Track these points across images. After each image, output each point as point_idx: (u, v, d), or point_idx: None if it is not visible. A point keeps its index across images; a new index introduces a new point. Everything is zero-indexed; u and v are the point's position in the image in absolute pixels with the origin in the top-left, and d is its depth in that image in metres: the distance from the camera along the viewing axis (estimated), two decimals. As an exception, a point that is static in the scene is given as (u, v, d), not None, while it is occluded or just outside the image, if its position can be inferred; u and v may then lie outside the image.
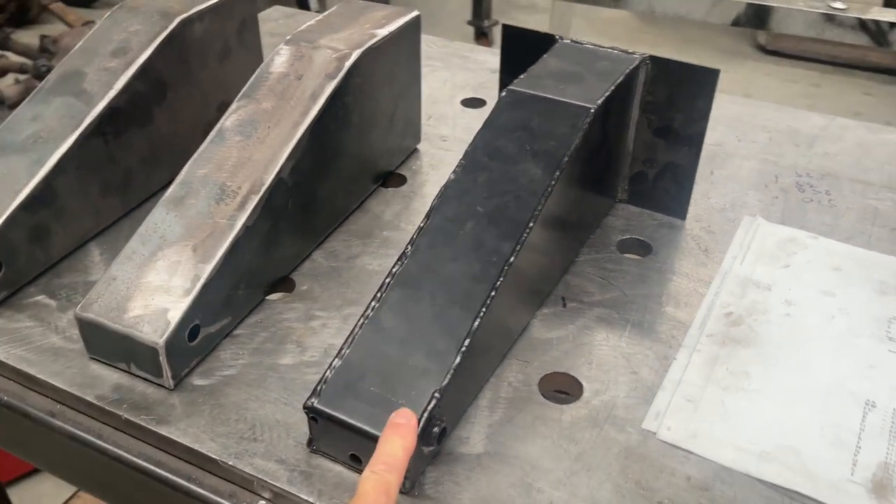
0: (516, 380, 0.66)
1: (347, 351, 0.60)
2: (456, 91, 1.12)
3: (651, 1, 1.76)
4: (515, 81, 0.75)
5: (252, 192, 0.70)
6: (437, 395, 0.56)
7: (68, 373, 0.67)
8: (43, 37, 3.59)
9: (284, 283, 0.77)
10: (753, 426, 0.62)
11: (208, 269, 0.66)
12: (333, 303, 0.75)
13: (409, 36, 0.87)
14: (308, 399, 0.58)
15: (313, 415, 0.58)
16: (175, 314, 0.64)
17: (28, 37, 3.90)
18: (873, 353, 0.68)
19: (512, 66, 0.84)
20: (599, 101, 0.71)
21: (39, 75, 2.45)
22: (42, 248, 0.76)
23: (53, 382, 0.66)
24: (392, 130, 0.90)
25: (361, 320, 0.62)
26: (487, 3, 3.75)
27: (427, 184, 0.92)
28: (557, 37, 0.82)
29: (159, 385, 0.65)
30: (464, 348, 0.58)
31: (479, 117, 1.06)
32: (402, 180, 0.93)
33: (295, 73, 0.78)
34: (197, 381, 0.66)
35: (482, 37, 3.68)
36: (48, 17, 4.04)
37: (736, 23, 1.71)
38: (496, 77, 1.16)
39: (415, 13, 0.88)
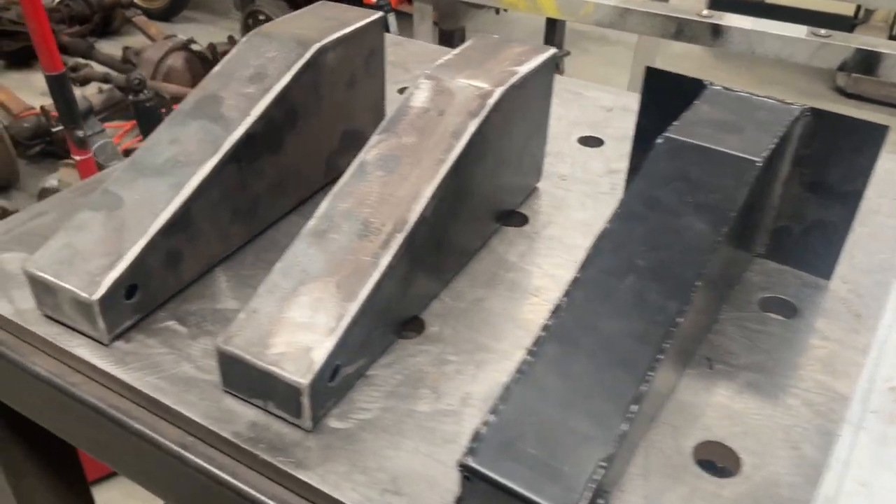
0: (667, 447, 0.63)
1: (502, 407, 0.57)
2: (571, 128, 1.09)
3: (752, 41, 1.72)
4: (671, 128, 0.72)
5: (396, 231, 0.68)
6: (603, 464, 0.53)
7: (202, 405, 0.65)
8: (125, 48, 3.69)
9: (414, 324, 0.74)
10: (935, 519, 0.57)
11: (353, 307, 0.64)
12: (464, 347, 0.72)
13: (545, 74, 0.85)
14: (463, 456, 0.55)
15: (468, 473, 0.55)
16: (319, 354, 0.61)
17: (110, 47, 4.02)
18: None
19: (652, 109, 0.81)
20: (765, 154, 0.67)
21: (133, 88, 2.52)
22: (174, 273, 0.75)
23: (188, 414, 0.64)
24: (519, 169, 0.88)
25: (516, 374, 0.59)
26: (560, 34, 3.75)
27: (550, 224, 0.89)
28: (706, 82, 0.79)
29: (295, 425, 0.63)
30: (630, 415, 0.55)
31: (596, 156, 1.03)
32: (523, 219, 0.91)
33: (436, 108, 0.76)
34: (333, 423, 0.64)
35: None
36: (130, 28, 4.15)
37: (842, 67, 1.66)
38: (611, 115, 1.14)
39: (552, 50, 0.85)
